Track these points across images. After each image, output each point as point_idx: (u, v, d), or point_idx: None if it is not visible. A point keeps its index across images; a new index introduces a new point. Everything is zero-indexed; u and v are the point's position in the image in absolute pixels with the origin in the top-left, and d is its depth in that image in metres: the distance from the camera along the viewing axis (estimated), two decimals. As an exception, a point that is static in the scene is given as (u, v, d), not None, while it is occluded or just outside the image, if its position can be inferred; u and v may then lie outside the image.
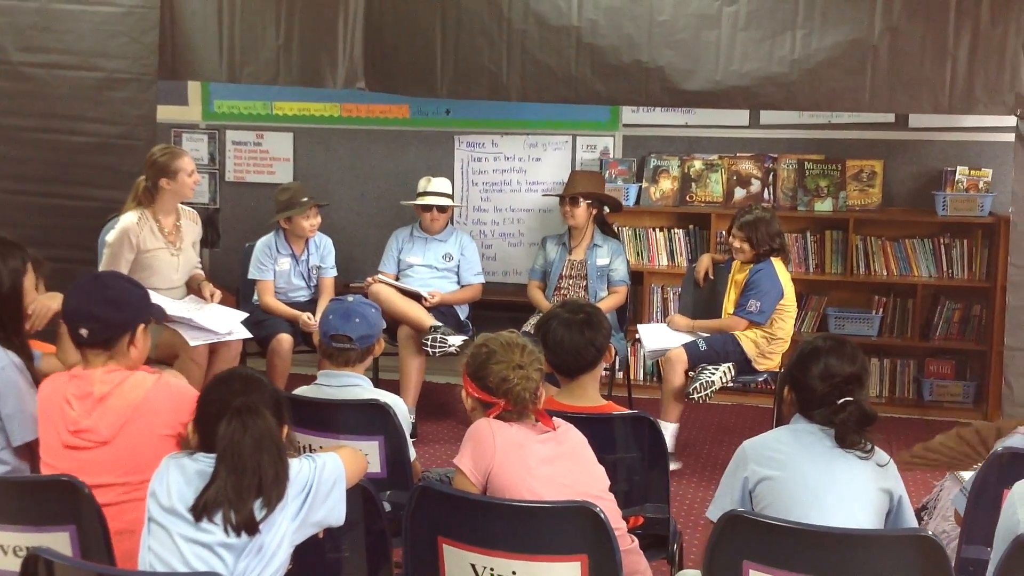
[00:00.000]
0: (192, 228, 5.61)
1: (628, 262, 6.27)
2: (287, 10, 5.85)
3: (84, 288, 3.16)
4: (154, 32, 5.83)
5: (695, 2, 5.47)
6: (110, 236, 5.29)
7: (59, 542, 2.69)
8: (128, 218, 5.31)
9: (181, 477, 2.53)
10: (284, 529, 2.55)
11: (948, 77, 5.28)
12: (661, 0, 5.50)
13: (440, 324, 5.87)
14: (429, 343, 5.77)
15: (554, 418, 3.05)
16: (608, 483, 3.06)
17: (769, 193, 6.68)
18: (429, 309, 5.98)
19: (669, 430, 5.41)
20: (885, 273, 6.51)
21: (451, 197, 6.34)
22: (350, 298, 3.81)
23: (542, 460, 2.92)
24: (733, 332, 5.56)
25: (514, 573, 2.72)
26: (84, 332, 3.06)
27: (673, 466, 5.40)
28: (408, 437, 3.56)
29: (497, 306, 6.81)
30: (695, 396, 5.31)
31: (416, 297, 6.02)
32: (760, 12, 5.41)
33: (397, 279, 6.25)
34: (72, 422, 2.94)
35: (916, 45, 5.28)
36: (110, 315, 3.08)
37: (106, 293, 3.12)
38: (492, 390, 2.97)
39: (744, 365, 5.54)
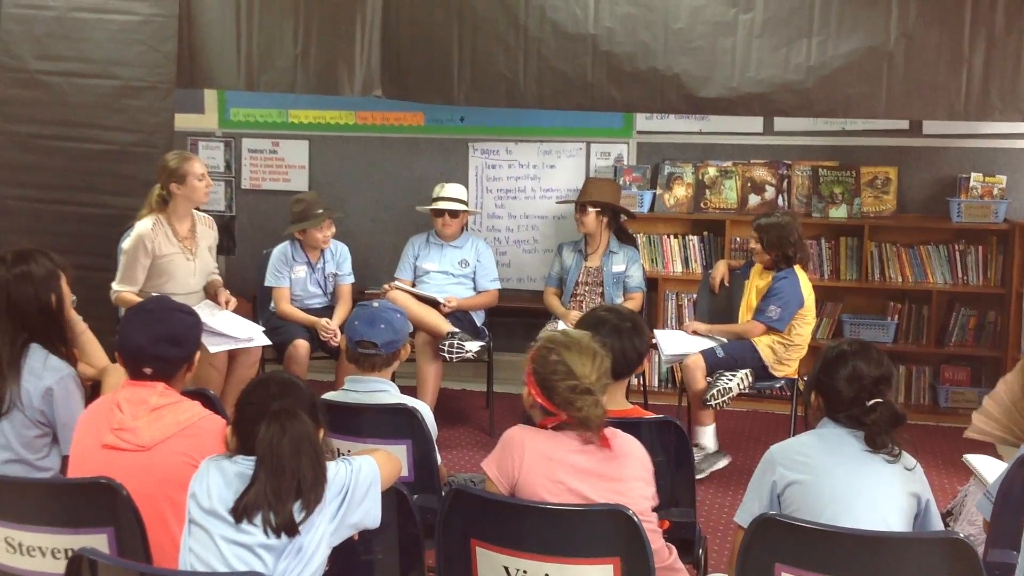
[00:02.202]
0: (207, 233, 5.63)
1: (644, 269, 6.28)
2: (304, 19, 5.88)
3: (140, 325, 3.11)
4: (172, 40, 5.86)
5: (711, 9, 5.50)
6: (126, 243, 5.33)
7: (97, 544, 2.71)
8: (143, 224, 5.33)
9: (221, 479, 2.56)
10: (322, 531, 2.57)
11: (964, 84, 5.31)
12: (677, 8, 5.53)
13: (457, 330, 5.89)
14: (446, 349, 5.79)
15: (614, 437, 2.95)
16: (649, 506, 2.99)
17: (783, 200, 6.69)
18: (445, 315, 6.00)
19: (708, 433, 5.52)
20: (900, 280, 6.52)
21: (465, 203, 6.35)
22: (376, 303, 3.83)
23: (574, 473, 2.87)
24: (750, 338, 5.57)
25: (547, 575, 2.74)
26: (148, 371, 3.07)
27: (722, 463, 5.56)
28: (435, 442, 3.58)
29: (512, 312, 6.84)
30: (712, 403, 5.33)
31: (433, 303, 6.04)
32: (776, 19, 5.44)
33: (413, 285, 6.27)
34: (118, 422, 2.95)
35: (932, 52, 5.31)
36: (172, 353, 3.09)
37: (165, 331, 3.09)
38: (556, 405, 2.89)
39: (761, 371, 5.54)
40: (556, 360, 2.89)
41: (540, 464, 2.88)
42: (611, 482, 2.89)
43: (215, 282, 5.66)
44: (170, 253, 5.38)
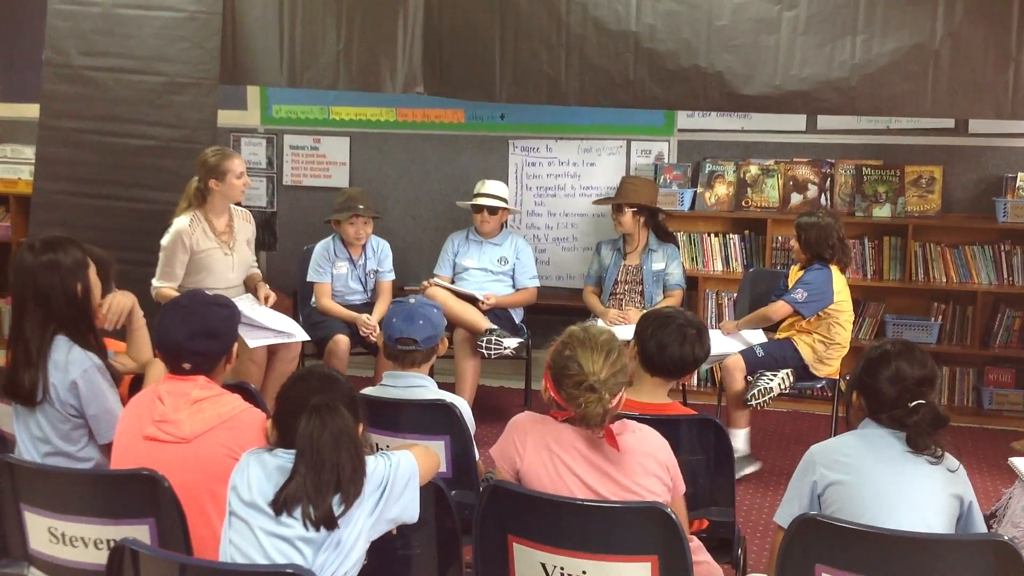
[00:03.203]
0: (245, 227, 5.66)
1: (683, 267, 6.26)
2: (347, 16, 5.91)
3: (177, 322, 3.13)
4: (216, 37, 5.90)
5: (754, 7, 5.47)
6: (164, 240, 5.37)
7: (138, 535, 2.73)
8: (180, 221, 5.38)
9: (262, 472, 2.57)
10: (361, 525, 2.58)
11: (1011, 82, 5.24)
12: (720, 5, 5.50)
13: (495, 327, 5.90)
14: (485, 345, 5.80)
15: (624, 432, 2.93)
16: (666, 500, 2.94)
17: (826, 199, 6.63)
18: (484, 312, 6.01)
19: (740, 436, 5.47)
20: (944, 280, 6.44)
21: (505, 201, 6.34)
22: (412, 300, 3.84)
23: (579, 461, 2.88)
24: (790, 338, 5.54)
25: (584, 573, 2.73)
26: (187, 366, 3.09)
27: (751, 468, 5.53)
28: (473, 437, 3.59)
29: (550, 310, 6.83)
30: (753, 402, 5.30)
31: (471, 300, 6.05)
32: (820, 17, 5.39)
33: (452, 282, 6.28)
34: (160, 414, 2.98)
35: (978, 50, 5.24)
36: (209, 347, 3.12)
37: (201, 325, 3.11)
38: (564, 400, 2.90)
39: (802, 371, 5.51)
40: (569, 355, 2.90)
41: (543, 455, 2.91)
42: (616, 477, 2.88)
43: (255, 276, 5.69)
44: (208, 248, 5.42)
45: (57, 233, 3.64)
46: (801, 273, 5.58)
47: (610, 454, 2.89)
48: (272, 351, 5.47)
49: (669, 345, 3.44)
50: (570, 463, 2.88)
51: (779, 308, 5.52)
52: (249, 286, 5.65)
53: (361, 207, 5.94)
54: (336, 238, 6.10)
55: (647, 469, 2.93)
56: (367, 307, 6.09)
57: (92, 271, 3.58)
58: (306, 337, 5.53)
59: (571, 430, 2.93)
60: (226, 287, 5.40)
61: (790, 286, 5.66)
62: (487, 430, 6.10)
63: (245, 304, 5.38)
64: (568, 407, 2.90)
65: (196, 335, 3.09)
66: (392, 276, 6.22)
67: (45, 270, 3.46)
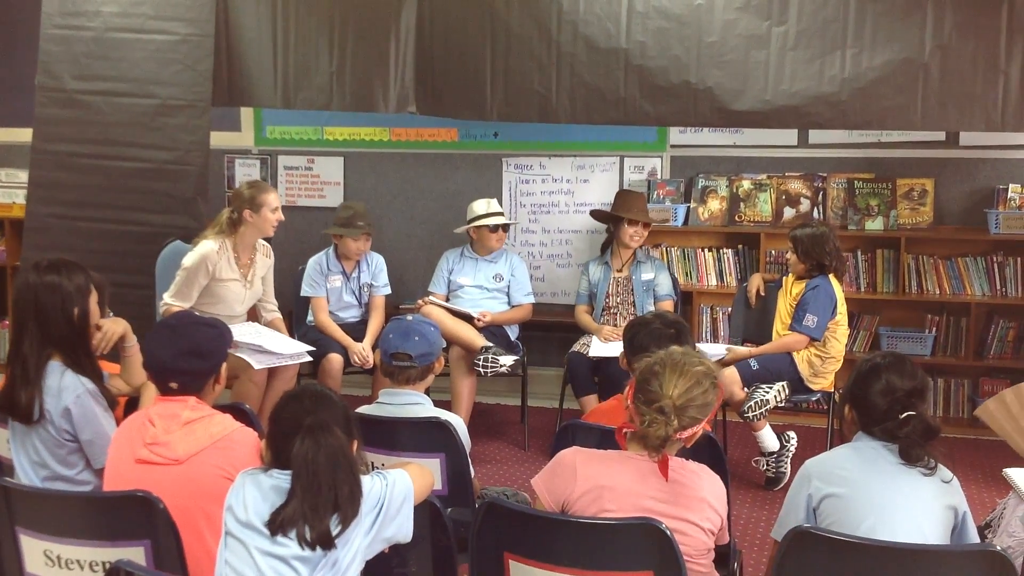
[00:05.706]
0: (264, 262, 5.68)
1: (673, 276, 6.29)
2: (340, 37, 5.92)
3: (164, 341, 3.15)
4: (208, 60, 5.91)
5: (744, 23, 5.48)
6: (188, 260, 5.32)
7: (134, 557, 2.73)
8: (208, 245, 5.35)
9: (257, 492, 2.58)
10: (357, 544, 2.59)
11: (1000, 94, 5.25)
12: (709, 21, 5.52)
13: (491, 344, 5.90)
14: (481, 363, 5.80)
15: (683, 470, 2.91)
16: (706, 548, 2.93)
17: (819, 212, 6.66)
18: (480, 329, 6.01)
19: (764, 436, 5.53)
20: (938, 292, 6.46)
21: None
22: (409, 317, 3.86)
23: (631, 504, 2.83)
24: (793, 352, 5.55)
25: (580, 589, 2.73)
26: (175, 385, 3.11)
27: (792, 443, 5.62)
28: (468, 455, 3.60)
29: (546, 327, 6.85)
30: (749, 414, 5.31)
31: (467, 318, 6.05)
32: (810, 32, 5.41)
33: (447, 300, 6.29)
34: (151, 436, 2.99)
35: (967, 62, 5.26)
36: (197, 366, 3.14)
37: (188, 345, 3.13)
38: (635, 411, 2.88)
39: (797, 384, 5.52)
40: (656, 372, 2.87)
41: (593, 493, 2.87)
42: (669, 520, 2.79)
43: (278, 323, 5.72)
44: (228, 279, 5.41)
45: (64, 257, 3.65)
46: (800, 285, 5.60)
47: (663, 494, 2.84)
48: (272, 372, 5.45)
49: (648, 347, 3.47)
50: (623, 502, 2.84)
51: (797, 341, 5.52)
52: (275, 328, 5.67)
53: (361, 224, 5.98)
54: (329, 252, 6.11)
55: (702, 516, 2.88)
56: (362, 325, 6.10)
57: (93, 298, 3.60)
58: (309, 358, 5.49)
59: (624, 464, 2.88)
60: (231, 316, 5.38)
61: (787, 296, 5.68)
62: (483, 447, 6.13)
63: (250, 331, 5.38)
64: (636, 420, 2.88)
65: (183, 354, 3.10)
66: (387, 291, 6.23)
67: (47, 291, 3.50)
